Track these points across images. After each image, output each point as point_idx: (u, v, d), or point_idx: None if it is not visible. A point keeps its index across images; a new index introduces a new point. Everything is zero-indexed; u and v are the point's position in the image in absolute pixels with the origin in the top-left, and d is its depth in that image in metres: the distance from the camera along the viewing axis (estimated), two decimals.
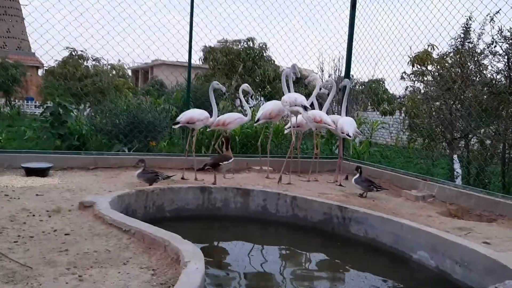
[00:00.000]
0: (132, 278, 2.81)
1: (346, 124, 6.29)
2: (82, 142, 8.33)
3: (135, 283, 2.74)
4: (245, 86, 6.81)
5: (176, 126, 6.16)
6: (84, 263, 3.01)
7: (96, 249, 3.26)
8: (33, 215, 3.92)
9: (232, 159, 5.82)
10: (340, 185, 6.50)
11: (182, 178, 6.02)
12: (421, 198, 5.78)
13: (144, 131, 8.33)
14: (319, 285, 3.80)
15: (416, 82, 8.55)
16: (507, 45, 6.07)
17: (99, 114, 9.58)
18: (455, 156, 7.10)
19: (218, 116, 6.45)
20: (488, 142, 6.46)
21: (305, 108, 5.95)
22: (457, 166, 6.99)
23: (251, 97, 16.50)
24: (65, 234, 3.51)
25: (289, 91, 6.39)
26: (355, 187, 5.92)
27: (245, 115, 6.67)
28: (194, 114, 6.03)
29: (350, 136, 6.27)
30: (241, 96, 6.88)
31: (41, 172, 5.57)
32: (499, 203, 5.10)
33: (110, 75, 16.83)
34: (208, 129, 6.93)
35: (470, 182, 6.47)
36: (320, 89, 7.09)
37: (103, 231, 3.63)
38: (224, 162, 5.70)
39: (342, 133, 6.29)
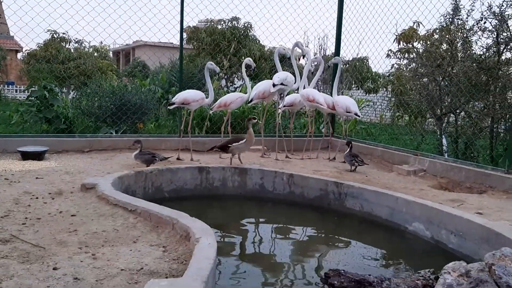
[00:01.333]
0: (144, 255, 2.87)
1: (352, 104, 6.37)
2: (69, 125, 8.26)
3: (148, 259, 2.80)
4: (247, 60, 6.74)
5: (171, 107, 6.15)
6: (94, 242, 3.05)
7: (104, 228, 3.31)
8: (36, 198, 3.93)
9: (244, 140, 5.49)
10: (334, 158, 6.65)
11: (178, 159, 6.05)
12: (412, 173, 5.94)
13: (131, 113, 8.29)
14: (316, 257, 3.90)
15: (403, 59, 8.65)
16: (496, 21, 6.19)
17: (85, 97, 9.50)
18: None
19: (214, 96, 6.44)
20: (476, 116, 6.62)
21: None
22: (444, 141, 7.17)
23: (237, 77, 16.48)
24: (71, 215, 3.54)
25: (283, 69, 6.45)
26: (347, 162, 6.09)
27: (245, 92, 6.66)
28: (189, 95, 6.02)
29: (359, 116, 6.38)
30: (244, 71, 6.77)
31: (37, 156, 5.54)
32: (488, 175, 5.29)
33: (93, 57, 16.54)
34: (211, 111, 6.91)
35: (459, 156, 6.66)
36: (312, 63, 7.07)
37: (109, 212, 3.67)
38: (234, 144, 5.51)
39: (348, 112, 6.34)
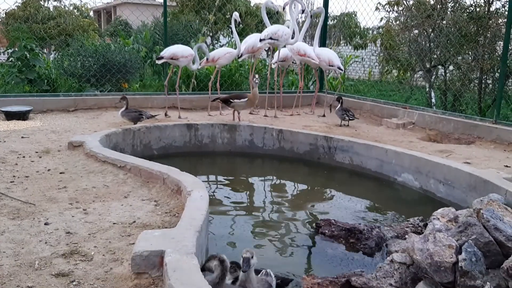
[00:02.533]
0: (136, 209, 2.87)
1: (335, 57, 6.26)
2: (52, 86, 8.06)
3: (140, 213, 2.80)
4: (235, 15, 6.52)
5: (160, 61, 5.98)
6: (85, 198, 3.03)
7: (94, 185, 3.28)
8: (23, 157, 3.87)
9: (246, 99, 5.43)
10: (324, 115, 6.62)
11: (166, 115, 5.97)
12: (401, 126, 5.96)
13: (115, 71, 8.10)
14: (307, 209, 3.93)
15: (392, 12, 8.50)
16: None
17: (67, 57, 9.23)
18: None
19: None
20: (465, 68, 6.59)
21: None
22: (433, 95, 7.17)
23: (223, 35, 16.09)
24: (60, 173, 3.50)
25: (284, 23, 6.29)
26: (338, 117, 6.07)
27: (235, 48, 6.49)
28: (178, 50, 5.85)
29: (341, 69, 6.30)
30: (233, 26, 6.55)
31: (22, 116, 5.43)
32: (477, 126, 5.33)
33: (73, 16, 15.97)
34: (199, 66, 6.76)
35: (447, 108, 6.68)
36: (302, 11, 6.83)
37: (98, 168, 3.63)
38: (236, 101, 5.44)
39: (331, 66, 6.24)
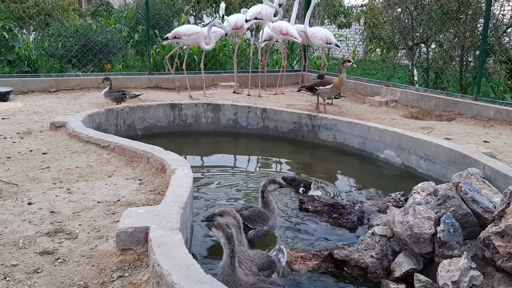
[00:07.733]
0: (120, 188, 2.87)
1: (331, 35, 6.32)
2: (33, 67, 7.91)
3: (125, 191, 2.80)
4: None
5: (166, 42, 6.17)
6: (68, 178, 3.02)
7: (77, 165, 3.27)
8: (4, 138, 3.83)
9: (331, 85, 5.15)
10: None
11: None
12: (384, 103, 6.02)
13: (96, 51, 7.98)
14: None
15: None
16: None
17: (47, 37, 9.04)
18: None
19: None
20: (447, 46, 6.63)
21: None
22: (415, 72, 7.23)
23: (206, 14, 15.87)
24: (43, 153, 3.48)
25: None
26: None
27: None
28: (181, 29, 5.91)
29: (339, 46, 6.34)
30: (222, 4, 6.53)
31: (2, 97, 5.33)
32: (457, 103, 5.41)
33: None
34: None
35: (429, 86, 6.74)
36: None
37: (81, 148, 3.61)
38: (320, 87, 5.22)
39: (329, 43, 6.29)
